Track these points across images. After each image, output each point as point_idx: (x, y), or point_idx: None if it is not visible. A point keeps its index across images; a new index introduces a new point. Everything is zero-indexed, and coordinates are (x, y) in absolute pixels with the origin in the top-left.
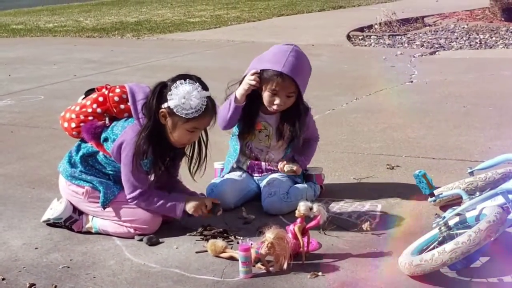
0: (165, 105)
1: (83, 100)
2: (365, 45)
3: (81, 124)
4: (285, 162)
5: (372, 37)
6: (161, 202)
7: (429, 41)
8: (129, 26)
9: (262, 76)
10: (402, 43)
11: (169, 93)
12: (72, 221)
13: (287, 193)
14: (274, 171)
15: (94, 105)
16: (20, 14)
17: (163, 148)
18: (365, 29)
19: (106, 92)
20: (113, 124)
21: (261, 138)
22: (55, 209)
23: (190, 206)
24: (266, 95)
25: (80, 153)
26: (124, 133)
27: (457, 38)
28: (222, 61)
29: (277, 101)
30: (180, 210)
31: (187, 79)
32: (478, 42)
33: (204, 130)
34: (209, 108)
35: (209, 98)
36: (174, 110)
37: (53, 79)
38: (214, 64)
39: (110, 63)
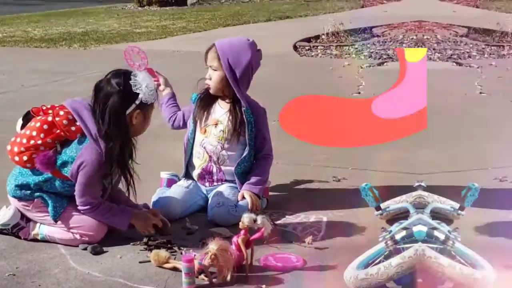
0: (132, 107)
1: (23, 129)
2: (312, 56)
3: (33, 155)
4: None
5: (319, 47)
6: (108, 215)
7: (377, 52)
8: (76, 37)
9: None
10: (349, 54)
11: (134, 87)
12: (19, 228)
13: (235, 206)
14: (224, 181)
15: (42, 135)
16: None
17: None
18: (312, 40)
19: (50, 119)
20: (64, 149)
21: (215, 133)
22: (3, 216)
23: (138, 225)
24: None
25: (36, 179)
26: (82, 154)
27: None
28: (169, 72)
29: (206, 75)
30: (125, 225)
31: (125, 71)
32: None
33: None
34: None
35: None
36: (144, 101)
37: (1, 88)
38: (165, 74)
39: (58, 73)
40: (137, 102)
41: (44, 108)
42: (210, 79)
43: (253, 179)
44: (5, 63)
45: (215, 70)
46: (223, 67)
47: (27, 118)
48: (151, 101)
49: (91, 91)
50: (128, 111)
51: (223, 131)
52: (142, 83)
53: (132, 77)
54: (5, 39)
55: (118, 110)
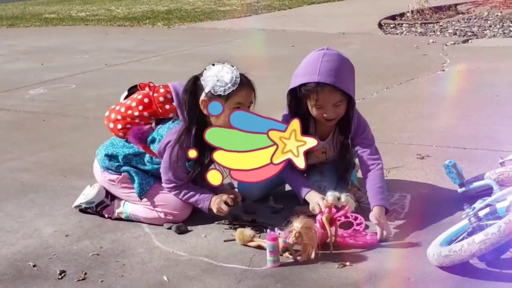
0: (202, 95)
1: (126, 99)
2: (397, 33)
3: (128, 125)
4: (328, 197)
5: (403, 25)
6: (189, 196)
7: (461, 29)
8: (159, 15)
9: (301, 93)
10: (434, 31)
11: (201, 79)
12: (103, 206)
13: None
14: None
15: (140, 107)
16: (52, 3)
17: (205, 145)
18: (397, 17)
19: (151, 93)
20: (158, 126)
21: (318, 155)
22: (88, 194)
23: (213, 207)
24: (313, 110)
25: (126, 151)
26: (170, 133)
27: (491, 26)
28: (253, 50)
29: (326, 114)
30: (205, 208)
31: (214, 64)
32: None
33: None
34: (245, 82)
35: (242, 75)
36: (212, 92)
37: (84, 68)
38: (245, 53)
39: (141, 52)
40: (206, 91)
41: (151, 84)
42: (328, 116)
43: (380, 192)
44: (88, 42)
45: (338, 105)
46: (346, 96)
47: (132, 91)
48: (219, 93)
49: (175, 70)
50: (200, 99)
51: (325, 153)
52: (209, 76)
53: (205, 69)
54: (88, 18)
55: (190, 94)
